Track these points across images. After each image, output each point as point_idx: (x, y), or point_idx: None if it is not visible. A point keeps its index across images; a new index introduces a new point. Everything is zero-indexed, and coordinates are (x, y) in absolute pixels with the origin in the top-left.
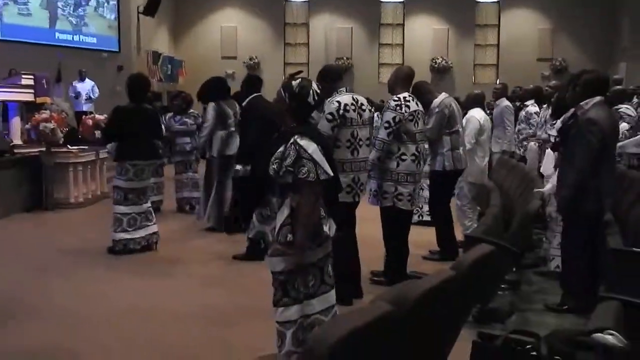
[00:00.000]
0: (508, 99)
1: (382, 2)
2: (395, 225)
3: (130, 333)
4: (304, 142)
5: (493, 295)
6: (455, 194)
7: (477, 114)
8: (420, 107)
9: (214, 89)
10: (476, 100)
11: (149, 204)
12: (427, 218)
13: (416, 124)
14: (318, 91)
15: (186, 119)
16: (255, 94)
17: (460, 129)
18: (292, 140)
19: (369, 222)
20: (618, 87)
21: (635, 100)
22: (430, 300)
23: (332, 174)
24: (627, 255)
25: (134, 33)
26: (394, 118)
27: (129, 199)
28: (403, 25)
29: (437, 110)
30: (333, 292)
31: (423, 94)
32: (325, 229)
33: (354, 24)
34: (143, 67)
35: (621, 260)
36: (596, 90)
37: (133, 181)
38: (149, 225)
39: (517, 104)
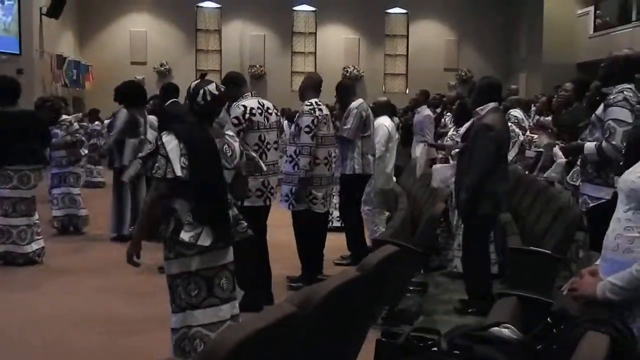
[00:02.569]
0: (429, 106)
1: (294, 10)
2: (310, 230)
3: (24, 342)
4: (166, 139)
5: (401, 296)
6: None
7: (385, 122)
8: (328, 112)
9: (132, 92)
10: (384, 108)
11: (37, 216)
12: (337, 224)
13: (328, 128)
14: (215, 92)
15: (56, 130)
16: (173, 100)
17: (372, 135)
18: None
19: (283, 228)
20: (514, 96)
21: (532, 108)
22: (335, 301)
23: (179, 174)
24: (524, 253)
25: (37, 35)
26: (312, 121)
27: (18, 210)
28: (315, 34)
29: (355, 111)
30: (226, 307)
31: (348, 95)
32: (185, 236)
33: (267, 31)
34: (46, 71)
35: (519, 258)
36: (490, 96)
37: (20, 189)
38: (38, 239)
39: (438, 110)
